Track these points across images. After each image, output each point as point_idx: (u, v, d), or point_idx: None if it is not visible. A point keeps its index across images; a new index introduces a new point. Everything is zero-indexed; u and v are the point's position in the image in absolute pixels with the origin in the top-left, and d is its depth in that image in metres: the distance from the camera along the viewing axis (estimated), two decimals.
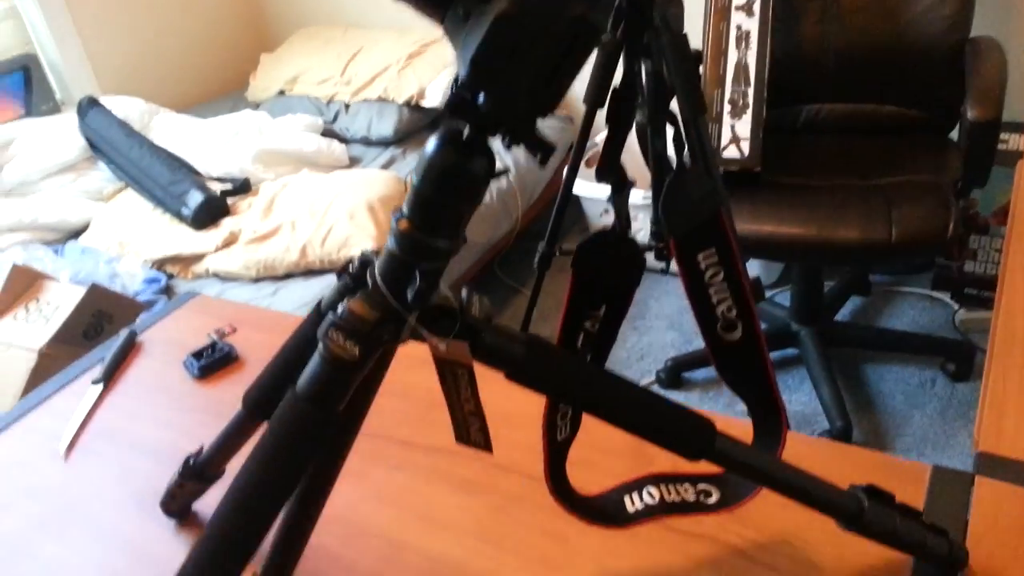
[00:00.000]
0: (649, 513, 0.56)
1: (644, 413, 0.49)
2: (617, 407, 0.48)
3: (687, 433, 0.49)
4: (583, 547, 0.64)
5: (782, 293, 2.14)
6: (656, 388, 1.92)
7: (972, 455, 0.68)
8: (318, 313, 0.50)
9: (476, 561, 0.64)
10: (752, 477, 0.53)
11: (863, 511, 0.53)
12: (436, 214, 0.40)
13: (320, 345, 0.43)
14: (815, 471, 0.53)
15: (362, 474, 0.74)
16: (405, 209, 0.41)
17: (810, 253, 1.53)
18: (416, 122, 2.39)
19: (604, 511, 0.57)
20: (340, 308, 0.42)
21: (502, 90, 0.37)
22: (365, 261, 0.46)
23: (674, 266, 1.13)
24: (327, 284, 1.75)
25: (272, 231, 1.86)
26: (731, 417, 0.74)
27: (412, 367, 0.68)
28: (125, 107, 2.32)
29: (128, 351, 0.97)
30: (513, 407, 0.77)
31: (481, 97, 0.37)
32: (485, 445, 0.49)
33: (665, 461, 0.69)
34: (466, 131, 0.39)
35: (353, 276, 0.46)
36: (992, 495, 0.61)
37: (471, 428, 0.48)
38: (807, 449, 0.70)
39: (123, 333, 0.98)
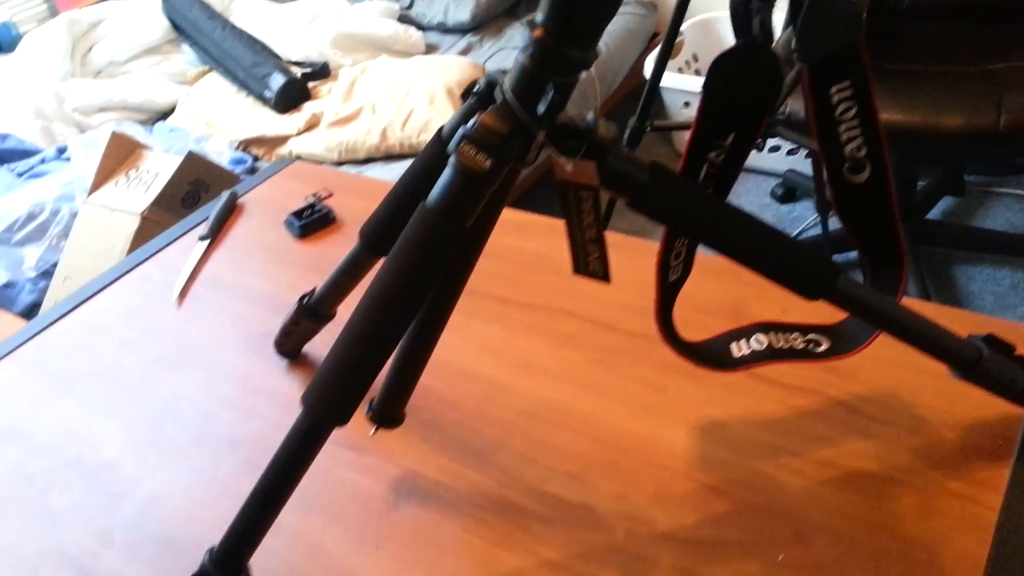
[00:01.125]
0: (756, 358, 0.57)
1: (766, 247, 0.48)
2: (739, 240, 0.48)
3: (810, 270, 0.49)
4: (682, 397, 0.65)
5: None
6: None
7: None
8: (439, 140, 0.51)
9: (575, 404, 0.66)
10: (872, 320, 0.52)
11: (981, 358, 0.52)
12: (572, 20, 0.40)
13: (451, 160, 0.43)
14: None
15: (462, 326, 0.76)
16: (539, 16, 0.40)
17: (911, 141, 1.46)
18: (494, 7, 2.33)
19: (710, 354, 0.57)
20: (471, 122, 0.42)
21: None
22: (492, 81, 0.45)
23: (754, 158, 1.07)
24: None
25: (353, 114, 1.87)
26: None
27: (507, 232, 0.68)
28: None
29: (230, 212, 1.00)
30: (613, 269, 0.77)
31: None
32: (604, 275, 0.49)
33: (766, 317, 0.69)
34: None
35: (479, 96, 0.46)
36: None
37: (590, 257, 0.48)
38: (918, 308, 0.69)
39: (225, 194, 1.01)
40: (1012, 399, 0.55)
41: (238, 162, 1.84)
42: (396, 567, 0.55)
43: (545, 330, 0.74)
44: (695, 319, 0.72)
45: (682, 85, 2.13)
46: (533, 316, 0.76)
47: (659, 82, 1.28)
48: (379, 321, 0.46)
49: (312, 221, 0.93)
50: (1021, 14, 1.64)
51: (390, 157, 1.83)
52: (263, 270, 0.89)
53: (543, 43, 0.41)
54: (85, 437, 0.70)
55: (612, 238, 0.90)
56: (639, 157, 0.46)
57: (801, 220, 2.05)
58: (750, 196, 2.15)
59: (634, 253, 0.83)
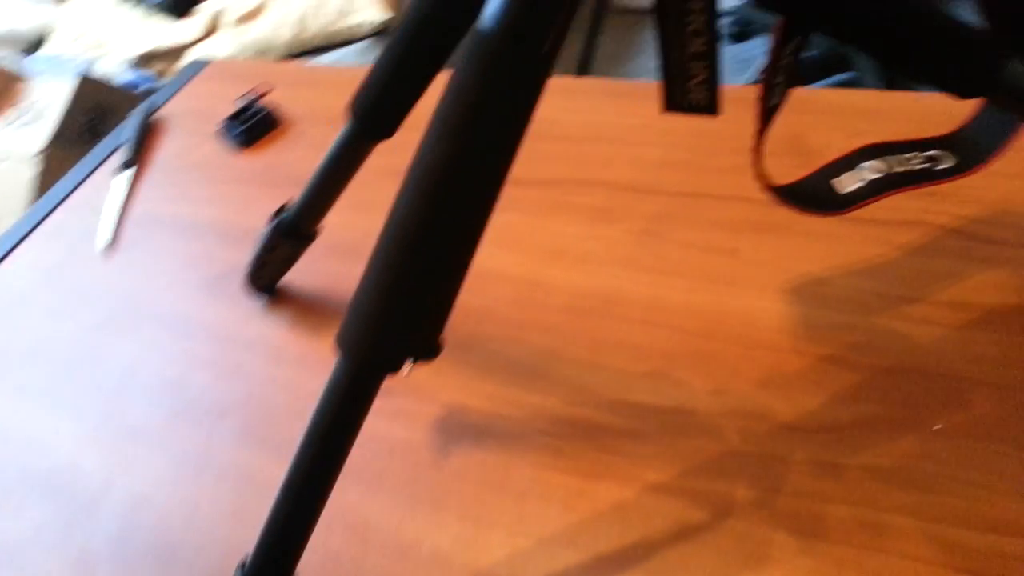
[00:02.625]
0: (873, 191, 0.45)
1: (924, 33, 0.35)
2: (891, 30, 0.35)
3: (967, 56, 0.36)
4: (760, 256, 0.54)
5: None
6: None
7: None
8: None
9: (632, 289, 0.54)
10: None
11: None
12: None
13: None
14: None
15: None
16: None
17: None
18: None
19: (814, 196, 0.45)
20: None
21: None
22: None
23: None
24: (339, 61, 1.56)
25: (258, 6, 1.63)
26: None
27: None
28: None
29: (147, 132, 0.83)
30: (631, 120, 0.63)
31: None
32: (710, 105, 0.36)
33: (837, 152, 0.58)
34: None
35: None
36: None
37: (692, 81, 0.35)
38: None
39: (139, 110, 0.83)
40: None
41: (136, 84, 1.61)
42: (468, 529, 0.44)
43: (572, 207, 0.61)
44: (748, 164, 0.60)
45: None
46: (554, 193, 0.63)
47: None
48: (449, 211, 0.32)
49: (254, 124, 0.76)
50: None
51: (311, 51, 1.62)
52: (206, 195, 0.73)
53: None
54: (28, 439, 0.56)
55: (608, 85, 0.76)
56: None
57: (753, 61, 1.92)
58: None
59: (642, 99, 0.70)
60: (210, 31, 1.65)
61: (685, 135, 0.64)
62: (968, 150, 0.45)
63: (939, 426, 0.42)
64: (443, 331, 0.47)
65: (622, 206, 0.60)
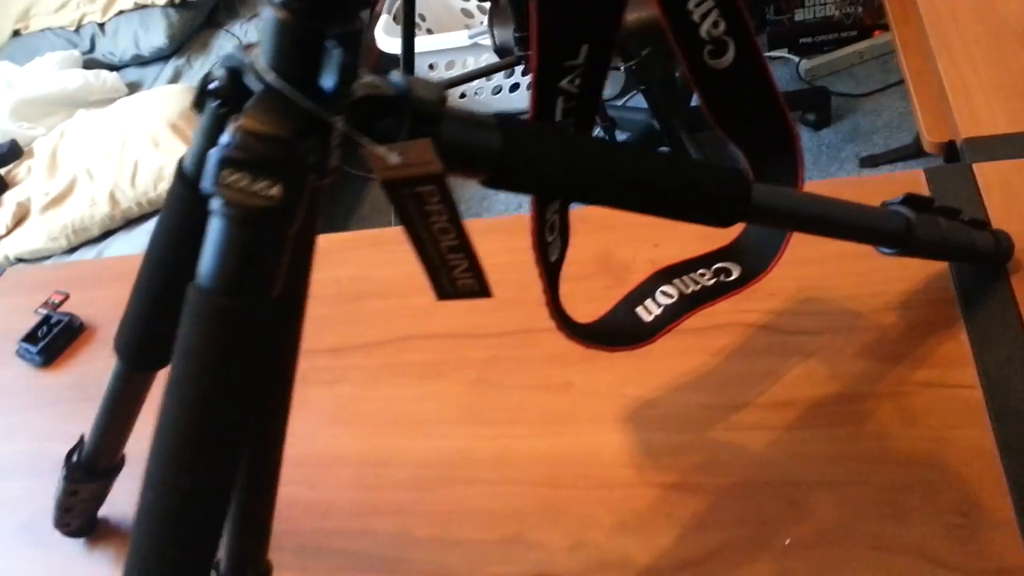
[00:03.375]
0: (672, 315, 0.46)
1: (666, 183, 0.37)
2: (632, 185, 0.36)
3: (716, 193, 0.38)
4: (593, 388, 0.54)
5: (633, 97, 2.07)
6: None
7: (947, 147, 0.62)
8: (182, 181, 0.34)
9: (471, 447, 0.52)
10: (794, 225, 0.43)
11: (911, 226, 0.45)
12: None
13: (214, 204, 0.27)
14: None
15: (301, 402, 0.59)
16: None
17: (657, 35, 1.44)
18: (190, 21, 2.05)
19: (620, 330, 0.46)
20: (225, 137, 0.26)
21: None
22: (234, 68, 0.29)
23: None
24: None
25: (68, 188, 1.56)
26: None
27: None
28: None
29: None
30: None
31: None
32: (481, 289, 0.35)
33: (644, 263, 0.59)
34: None
35: (222, 95, 0.30)
36: (998, 175, 0.55)
37: (456, 271, 0.35)
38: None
39: None
40: (947, 257, 0.49)
41: None
42: None
43: (402, 367, 0.60)
44: (571, 290, 0.61)
45: (420, 48, 1.99)
46: (381, 355, 0.61)
47: (413, 36, 1.14)
48: (193, 472, 0.30)
49: (52, 339, 0.70)
50: None
51: (131, 222, 1.55)
52: (10, 425, 0.66)
53: None
54: None
55: None
56: (479, 113, 0.33)
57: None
58: None
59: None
60: (19, 221, 1.56)
61: (507, 271, 0.65)
62: (751, 257, 0.48)
63: (788, 541, 0.42)
64: (266, 554, 0.43)
65: (453, 357, 0.59)
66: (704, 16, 0.39)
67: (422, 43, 2.02)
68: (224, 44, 2.05)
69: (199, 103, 0.30)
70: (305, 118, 0.27)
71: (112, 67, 2.07)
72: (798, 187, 0.45)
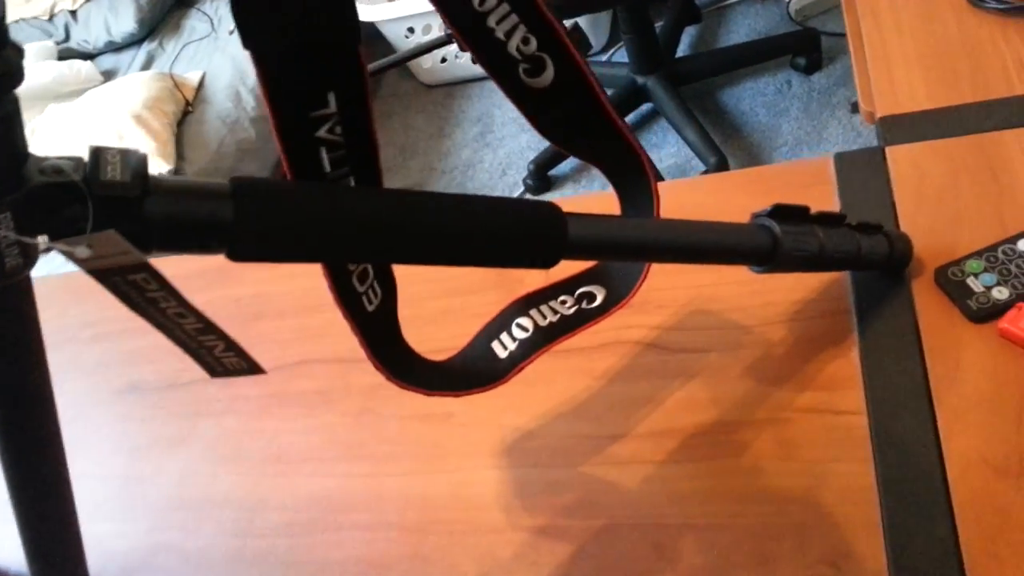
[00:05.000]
0: (530, 350, 0.42)
1: (457, 231, 0.33)
2: (419, 240, 0.32)
3: (525, 235, 0.34)
4: (473, 417, 0.50)
5: (617, 51, 1.98)
6: (528, 197, 1.78)
7: (864, 131, 0.56)
8: None
9: (348, 486, 0.50)
10: (631, 255, 0.39)
11: (778, 242, 0.40)
12: None
13: None
14: (708, 215, 0.39)
15: (188, 435, 0.57)
16: None
17: None
18: (160, 3, 2.01)
19: (472, 371, 0.42)
20: None
21: None
22: None
23: None
24: None
25: None
26: (598, 193, 0.60)
27: (200, 286, 0.50)
28: None
29: None
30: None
31: None
32: (250, 368, 0.32)
33: (538, 275, 0.55)
34: None
35: None
36: (911, 161, 0.50)
37: (216, 352, 0.31)
38: (690, 194, 0.57)
39: None
40: (828, 269, 0.44)
41: None
42: None
43: (292, 396, 0.57)
44: (462, 304, 0.58)
45: (398, 13, 1.93)
46: (273, 383, 0.59)
47: None
48: None
49: None
50: None
51: None
52: None
53: None
54: None
55: None
56: (204, 182, 0.29)
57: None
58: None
59: None
60: None
61: (402, 285, 0.61)
62: (616, 279, 0.43)
63: None
64: None
65: (340, 384, 0.56)
66: (510, 32, 0.34)
67: (399, 8, 1.96)
68: (196, 24, 2.00)
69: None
70: None
71: (88, 55, 2.04)
72: (654, 209, 0.40)
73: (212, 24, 1.98)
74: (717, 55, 1.87)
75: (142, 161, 0.27)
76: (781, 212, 0.41)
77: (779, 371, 0.44)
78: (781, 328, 0.46)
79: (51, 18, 2.10)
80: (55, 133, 1.64)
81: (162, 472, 0.56)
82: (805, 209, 0.41)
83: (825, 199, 0.50)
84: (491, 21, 0.34)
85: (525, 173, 1.79)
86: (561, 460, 0.46)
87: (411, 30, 2.01)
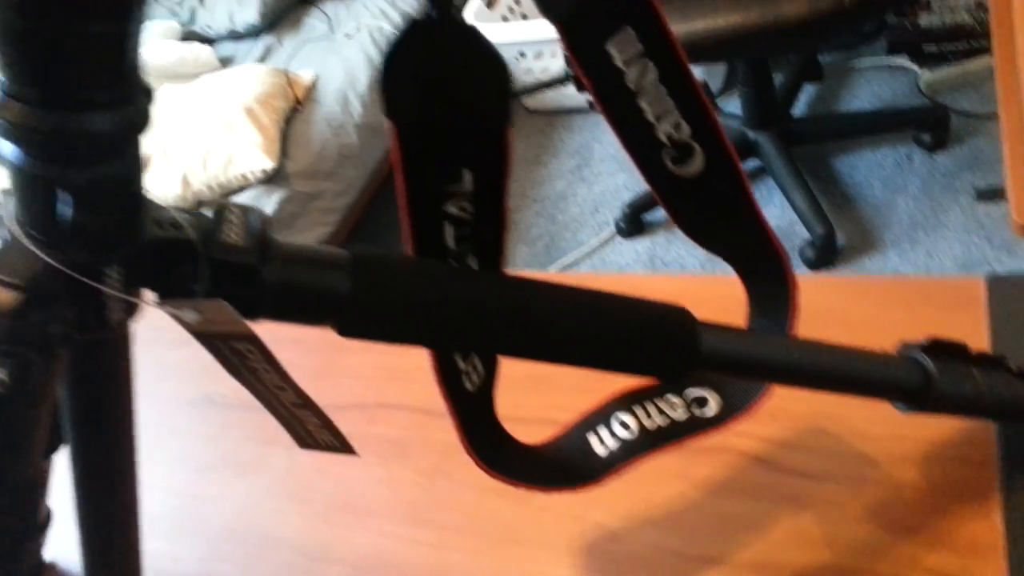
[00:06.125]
0: (629, 452, 0.39)
1: (580, 331, 0.30)
2: (535, 335, 0.29)
3: (653, 343, 0.30)
4: (555, 503, 0.47)
5: (730, 100, 1.93)
6: (617, 240, 1.74)
7: (987, 222, 0.50)
8: None
9: (410, 553, 0.47)
10: (766, 377, 0.35)
11: (931, 381, 0.36)
12: (51, 59, 0.19)
13: None
14: (830, 328, 0.35)
15: (259, 463, 0.56)
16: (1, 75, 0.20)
17: (754, 43, 1.31)
18: None
19: (566, 464, 0.39)
20: None
21: None
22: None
23: None
24: None
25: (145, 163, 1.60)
26: (711, 275, 0.56)
27: None
28: None
29: None
30: None
31: None
32: (341, 446, 0.30)
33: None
34: None
35: None
36: None
37: (308, 426, 0.29)
38: (816, 294, 0.52)
39: None
40: (982, 416, 0.39)
41: None
42: None
43: (367, 440, 0.54)
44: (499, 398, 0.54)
45: (511, 37, 1.93)
46: (351, 421, 0.55)
47: None
48: None
49: None
50: None
51: (203, 204, 1.57)
52: None
53: (23, 120, 0.20)
54: None
55: None
56: (328, 249, 0.27)
57: None
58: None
59: None
60: None
61: None
62: (732, 386, 0.39)
63: None
64: None
65: (417, 437, 0.54)
66: (661, 116, 0.31)
67: (513, 31, 1.96)
68: (315, 23, 2.04)
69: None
70: (51, 277, 0.22)
71: (209, 40, 2.11)
72: (789, 321, 0.36)
73: (330, 25, 2.01)
74: (837, 119, 1.79)
75: (264, 223, 0.25)
76: (935, 348, 0.36)
77: (907, 520, 0.39)
78: (912, 469, 0.41)
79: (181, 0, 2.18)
80: (166, 114, 1.69)
81: (225, 497, 0.54)
82: (963, 347, 0.37)
83: (972, 327, 0.45)
84: (643, 101, 0.31)
85: (618, 214, 1.75)
86: (644, 572, 0.42)
87: (522, 54, 2.01)
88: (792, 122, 1.73)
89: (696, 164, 0.33)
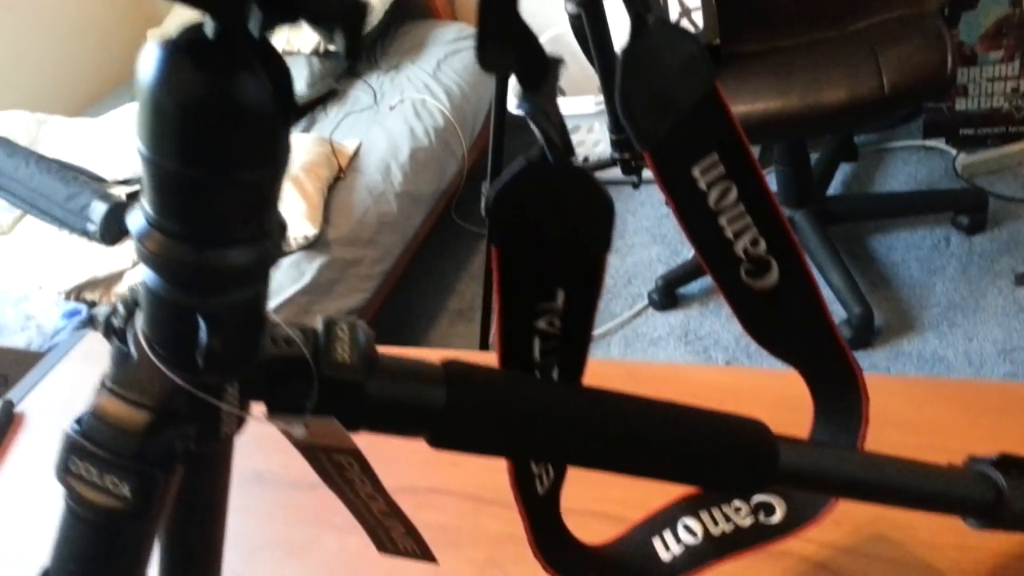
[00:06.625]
0: (697, 561, 0.38)
1: (662, 446, 0.30)
2: (618, 449, 0.30)
3: (733, 458, 0.31)
4: None
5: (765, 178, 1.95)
6: (650, 312, 1.74)
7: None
8: None
9: None
10: (841, 492, 0.35)
11: (1003, 497, 0.35)
12: (203, 201, 0.21)
13: (64, 492, 0.23)
14: (901, 424, 0.35)
15: (309, 544, 0.56)
16: (147, 206, 0.21)
17: (795, 127, 1.33)
18: (330, 71, 2.14)
19: (629, 568, 0.39)
20: (80, 416, 0.23)
21: None
22: (132, 303, 0.26)
23: (648, 174, 0.89)
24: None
25: None
26: (769, 368, 0.56)
27: None
28: (6, 123, 2.05)
29: (5, 430, 0.77)
30: None
31: None
32: (422, 554, 0.30)
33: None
34: (208, 26, 0.19)
35: (120, 335, 0.26)
36: None
37: (393, 534, 0.30)
38: (880, 396, 0.52)
39: None
40: None
41: (72, 314, 1.59)
42: None
43: (418, 527, 0.55)
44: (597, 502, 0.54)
45: (567, 110, 1.98)
46: (403, 505, 0.56)
47: (503, 134, 1.10)
48: None
49: None
50: None
51: None
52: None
53: (167, 254, 0.22)
54: None
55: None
56: (422, 363, 0.28)
57: None
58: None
59: None
60: None
61: None
62: (802, 495, 0.39)
63: None
64: None
65: (469, 525, 0.54)
66: (740, 233, 0.32)
67: (570, 106, 2.00)
68: (360, 95, 2.11)
69: (107, 335, 0.27)
70: (175, 397, 0.23)
71: None
72: (861, 432, 0.37)
73: (375, 97, 2.08)
74: (874, 199, 1.80)
75: (370, 341, 0.26)
76: (1008, 462, 0.36)
77: None
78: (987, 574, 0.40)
79: None
80: None
81: None
82: None
83: None
84: (723, 220, 0.33)
85: (652, 286, 1.76)
86: None
87: (575, 128, 2.05)
88: (828, 201, 1.74)
89: (771, 278, 0.34)
